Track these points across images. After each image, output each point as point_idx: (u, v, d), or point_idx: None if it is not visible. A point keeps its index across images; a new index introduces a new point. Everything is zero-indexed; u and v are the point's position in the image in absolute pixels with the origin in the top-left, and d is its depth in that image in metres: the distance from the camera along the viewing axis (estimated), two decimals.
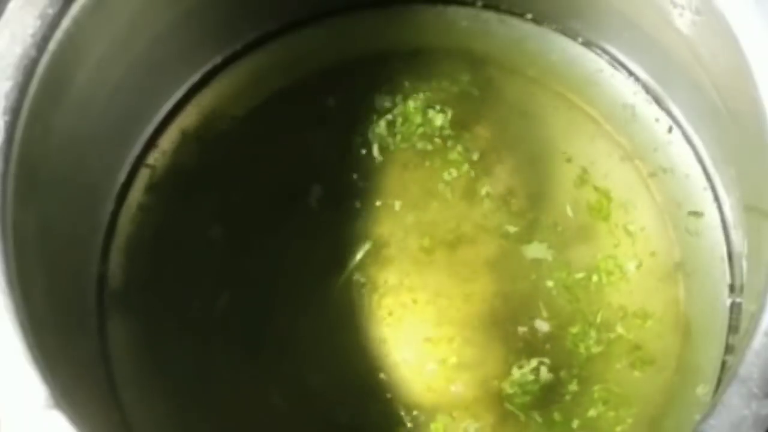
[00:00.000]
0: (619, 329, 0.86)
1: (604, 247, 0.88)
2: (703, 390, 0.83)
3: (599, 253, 0.88)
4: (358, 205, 0.90)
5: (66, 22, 0.73)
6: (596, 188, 0.90)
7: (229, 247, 0.89)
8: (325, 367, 0.85)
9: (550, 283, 0.87)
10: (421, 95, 0.93)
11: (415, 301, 0.87)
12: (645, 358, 0.85)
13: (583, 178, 0.91)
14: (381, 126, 0.92)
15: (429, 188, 0.91)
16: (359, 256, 0.88)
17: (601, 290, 0.87)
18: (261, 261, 0.89)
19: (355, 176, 0.91)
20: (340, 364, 0.85)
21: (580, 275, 0.87)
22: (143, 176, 0.92)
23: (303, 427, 0.85)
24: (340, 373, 0.85)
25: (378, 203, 0.90)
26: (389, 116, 0.92)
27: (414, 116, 0.92)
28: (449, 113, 0.92)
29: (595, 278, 0.87)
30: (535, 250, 0.88)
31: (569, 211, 0.90)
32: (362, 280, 0.87)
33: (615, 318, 0.86)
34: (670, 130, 0.92)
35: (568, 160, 0.91)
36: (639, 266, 0.88)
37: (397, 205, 0.90)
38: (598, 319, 0.86)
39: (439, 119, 0.92)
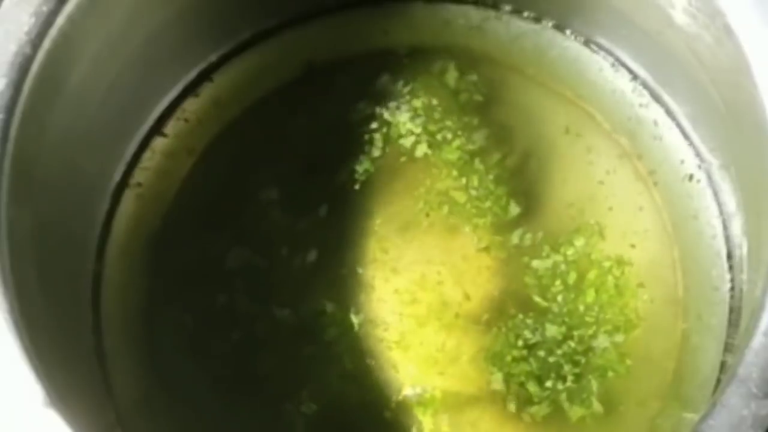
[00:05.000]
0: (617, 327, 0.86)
1: (602, 244, 0.88)
2: (702, 390, 0.83)
3: (597, 251, 0.88)
4: (357, 196, 0.90)
5: (61, 20, 0.72)
6: (595, 186, 0.90)
7: (225, 242, 0.89)
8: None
9: (551, 281, 0.87)
10: (417, 93, 0.93)
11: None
12: (644, 358, 0.85)
13: (581, 176, 0.90)
14: (378, 124, 0.92)
15: (426, 185, 0.90)
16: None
17: (599, 288, 0.87)
18: (258, 256, 0.89)
19: (351, 174, 0.91)
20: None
21: (577, 273, 0.87)
22: (138, 175, 0.92)
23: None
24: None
25: (376, 200, 0.90)
26: (386, 114, 0.92)
27: (411, 114, 0.92)
28: (447, 111, 0.92)
29: (593, 276, 0.87)
30: (534, 244, 0.88)
31: (568, 209, 0.89)
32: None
33: (612, 316, 0.86)
34: (669, 128, 0.91)
35: (567, 158, 0.91)
36: (638, 264, 0.88)
37: (398, 201, 0.90)
38: (595, 317, 0.86)
39: (436, 117, 0.92)
